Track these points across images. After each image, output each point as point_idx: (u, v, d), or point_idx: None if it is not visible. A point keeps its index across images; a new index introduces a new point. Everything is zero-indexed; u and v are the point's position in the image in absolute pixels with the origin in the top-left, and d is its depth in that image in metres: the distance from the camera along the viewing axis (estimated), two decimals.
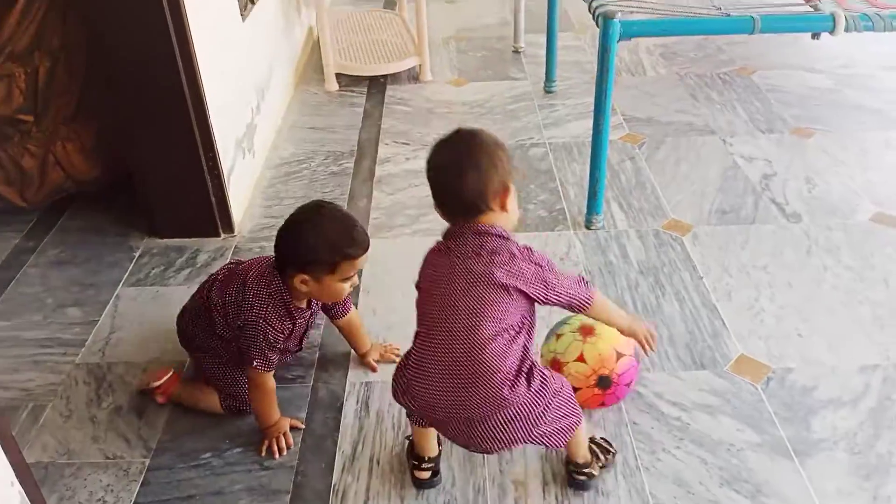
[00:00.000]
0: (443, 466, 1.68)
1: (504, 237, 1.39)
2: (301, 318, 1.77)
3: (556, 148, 2.96)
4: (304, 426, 1.78)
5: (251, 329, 1.67)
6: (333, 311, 1.89)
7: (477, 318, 1.36)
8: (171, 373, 1.85)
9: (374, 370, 1.94)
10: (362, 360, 1.96)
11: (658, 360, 1.94)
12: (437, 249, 1.46)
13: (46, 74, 2.36)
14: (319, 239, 1.63)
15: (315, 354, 2.00)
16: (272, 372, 1.72)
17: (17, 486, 1.24)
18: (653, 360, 1.94)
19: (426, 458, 1.63)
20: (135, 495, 1.64)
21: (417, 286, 1.49)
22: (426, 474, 1.63)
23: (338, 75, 3.53)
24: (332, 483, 1.66)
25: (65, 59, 2.37)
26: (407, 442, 1.70)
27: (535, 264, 1.38)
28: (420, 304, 1.48)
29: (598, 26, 2.18)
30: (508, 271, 1.36)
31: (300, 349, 1.91)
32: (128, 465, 1.71)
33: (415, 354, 1.47)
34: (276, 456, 1.70)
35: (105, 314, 2.17)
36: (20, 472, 1.24)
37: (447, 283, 1.39)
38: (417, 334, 1.48)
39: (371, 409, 1.83)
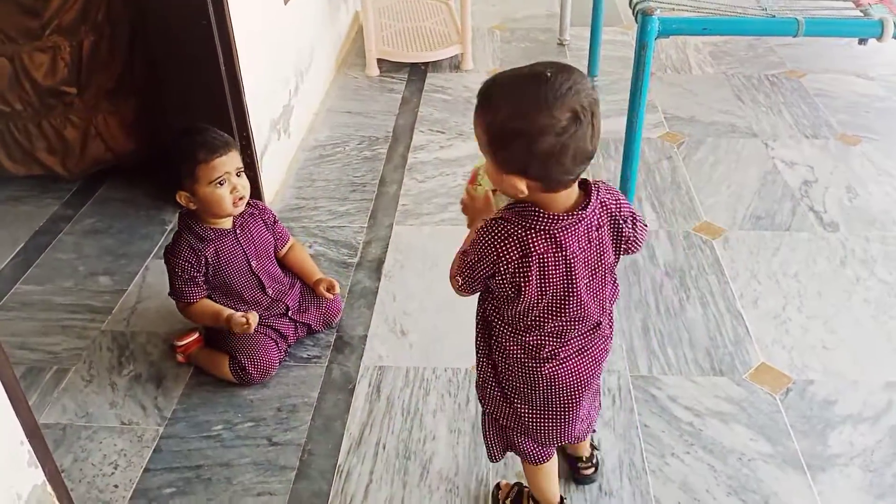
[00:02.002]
0: (448, 455, 1.69)
1: None
2: (222, 241, 1.84)
3: None
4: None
5: (167, 268, 1.85)
6: (277, 243, 1.97)
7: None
8: (196, 335, 1.93)
9: (328, 298, 1.99)
10: (314, 290, 2.00)
11: (675, 363, 1.91)
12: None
13: (91, 48, 2.41)
14: (176, 152, 1.77)
15: (332, 336, 2.02)
16: (198, 301, 1.86)
17: (27, 446, 1.28)
18: (670, 362, 1.92)
19: (562, 500, 1.52)
20: (146, 461, 1.68)
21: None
22: None
23: (379, 61, 3.54)
24: (338, 463, 1.68)
25: (109, 34, 2.42)
26: (530, 499, 1.54)
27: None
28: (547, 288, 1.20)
29: (636, 22, 2.15)
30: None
31: (279, 304, 1.93)
32: (142, 432, 1.76)
33: (550, 341, 1.26)
34: (249, 327, 1.77)
35: (133, 284, 2.22)
36: (30, 433, 1.28)
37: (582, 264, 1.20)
38: (537, 329, 1.25)
39: (382, 394, 1.85)
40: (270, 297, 1.92)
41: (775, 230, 2.40)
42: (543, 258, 1.15)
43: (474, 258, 1.18)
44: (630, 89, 2.21)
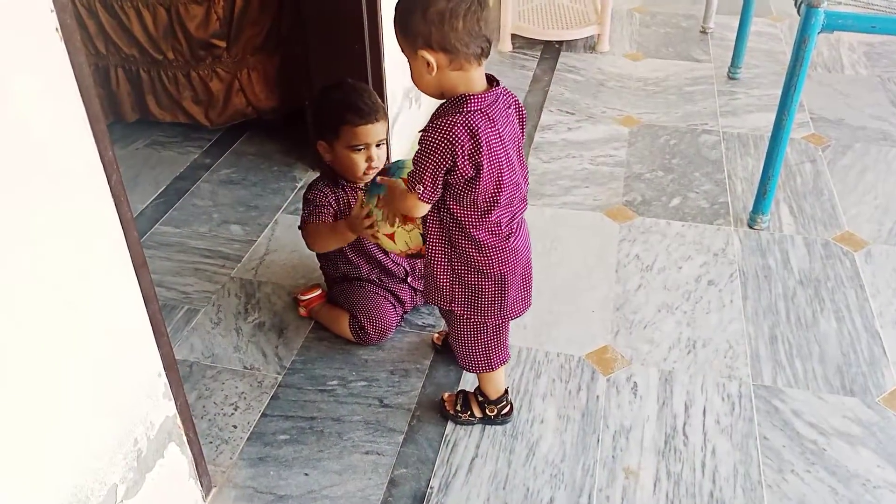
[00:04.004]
0: (555, 441, 1.68)
1: None
2: (353, 195, 1.84)
3: (730, 138, 2.80)
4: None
5: (302, 205, 1.86)
6: None
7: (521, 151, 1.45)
8: (319, 291, 2.00)
9: None
10: None
11: (803, 377, 1.82)
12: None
13: (243, 4, 2.49)
14: (327, 104, 1.78)
15: None
16: (322, 222, 1.82)
17: (164, 378, 1.35)
18: (797, 375, 1.83)
19: (506, 391, 1.71)
20: (264, 406, 1.75)
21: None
22: (509, 406, 1.72)
23: (513, 36, 3.50)
24: (445, 433, 1.69)
25: None
26: (477, 397, 1.70)
27: None
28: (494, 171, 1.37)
29: (798, 14, 2.03)
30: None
31: (399, 268, 1.94)
32: (262, 378, 1.83)
33: (505, 222, 1.43)
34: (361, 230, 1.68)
35: (263, 236, 2.30)
36: (168, 366, 1.35)
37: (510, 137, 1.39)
38: (496, 203, 1.39)
39: None
40: (392, 261, 1.94)
41: None
42: (487, 134, 1.32)
43: (433, 159, 1.31)
44: (783, 85, 2.10)
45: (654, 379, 1.83)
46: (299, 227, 1.89)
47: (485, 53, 1.32)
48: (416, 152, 1.35)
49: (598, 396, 1.78)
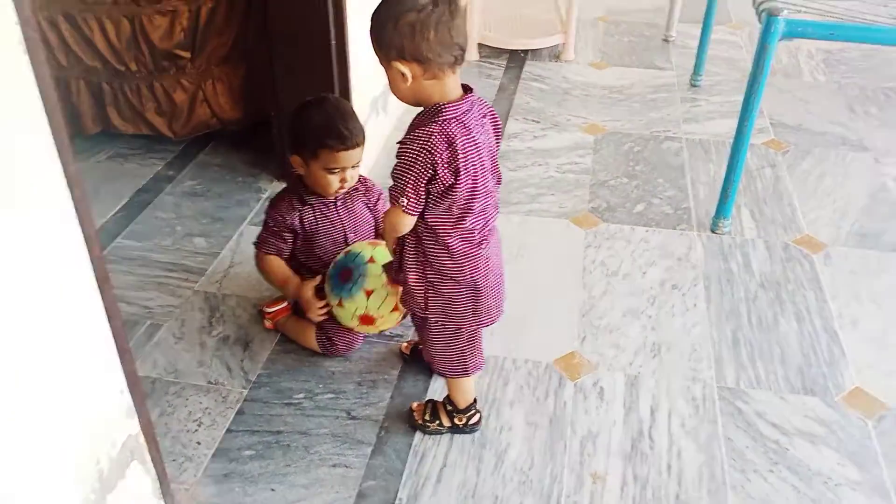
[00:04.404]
0: (523, 448, 1.68)
1: None
2: (322, 209, 1.85)
3: (692, 144, 2.84)
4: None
5: (264, 217, 1.89)
6: (376, 219, 1.97)
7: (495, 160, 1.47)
8: (285, 303, 1.98)
9: None
10: None
11: (765, 378, 1.85)
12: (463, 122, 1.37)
13: (208, 15, 2.48)
14: (308, 122, 1.76)
15: None
16: (271, 255, 1.89)
17: (127, 396, 1.33)
18: (759, 376, 1.85)
19: (475, 401, 1.70)
20: (229, 421, 1.73)
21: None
22: (478, 416, 1.72)
23: (479, 46, 3.52)
24: (413, 444, 1.69)
25: (226, 2, 2.48)
26: (446, 406, 1.70)
27: None
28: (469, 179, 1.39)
29: (759, 22, 2.07)
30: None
31: None
32: (227, 393, 1.81)
33: (478, 229, 1.45)
34: (315, 316, 1.83)
35: (227, 248, 2.29)
36: (131, 383, 1.33)
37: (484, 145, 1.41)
38: (470, 210, 1.41)
39: None
40: None
41: (881, 250, 2.29)
42: (462, 142, 1.33)
43: (414, 170, 1.33)
44: (745, 91, 2.14)
45: (620, 384, 1.84)
46: (254, 244, 1.91)
47: (458, 61, 1.34)
48: (396, 165, 1.35)
49: (565, 402, 1.79)
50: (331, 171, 1.77)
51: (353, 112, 1.81)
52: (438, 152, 1.32)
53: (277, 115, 2.50)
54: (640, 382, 1.85)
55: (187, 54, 2.52)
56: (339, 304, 1.76)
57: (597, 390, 1.83)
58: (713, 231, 2.36)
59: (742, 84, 2.19)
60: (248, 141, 2.76)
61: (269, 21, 2.31)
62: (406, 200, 1.35)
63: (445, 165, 1.33)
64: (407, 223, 1.40)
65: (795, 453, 1.67)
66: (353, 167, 1.79)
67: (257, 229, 1.94)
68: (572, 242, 2.33)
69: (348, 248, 1.83)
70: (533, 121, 3.01)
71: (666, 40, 3.69)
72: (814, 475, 1.62)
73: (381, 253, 1.74)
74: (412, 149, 1.33)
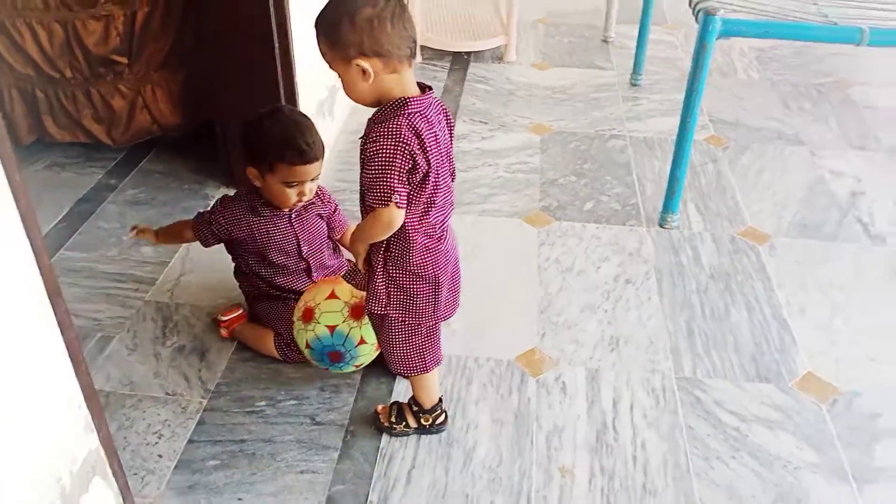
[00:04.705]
0: (491, 446, 1.68)
1: None
2: (275, 221, 1.82)
3: (637, 142, 2.90)
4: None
5: (214, 205, 1.88)
6: (331, 229, 1.94)
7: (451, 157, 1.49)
8: (240, 311, 1.94)
9: None
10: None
11: (721, 367, 1.90)
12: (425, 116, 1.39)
13: (144, 19, 2.41)
14: (264, 135, 1.71)
15: None
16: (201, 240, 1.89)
17: (85, 409, 1.28)
18: (715, 365, 1.90)
19: (440, 400, 1.70)
20: (190, 432, 1.69)
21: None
22: (444, 415, 1.71)
23: (422, 48, 3.52)
24: (380, 446, 1.67)
25: (163, 5, 2.42)
26: (411, 407, 1.69)
27: None
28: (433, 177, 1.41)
29: (696, 22, 2.13)
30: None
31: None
32: (186, 403, 1.76)
33: (439, 223, 1.46)
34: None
35: (176, 257, 2.22)
36: (88, 396, 1.28)
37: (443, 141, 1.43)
38: (433, 204, 1.43)
39: None
40: (313, 281, 1.91)
41: (822, 240, 2.37)
42: (427, 135, 1.35)
43: (395, 165, 1.32)
44: (686, 89, 2.19)
45: (581, 378, 1.86)
46: (195, 217, 1.89)
47: (413, 54, 1.36)
48: (373, 166, 1.33)
49: (529, 399, 1.80)
50: (289, 184, 1.73)
51: (312, 125, 1.76)
52: (410, 145, 1.33)
53: (220, 121, 2.44)
54: (600, 376, 1.87)
55: (124, 60, 2.45)
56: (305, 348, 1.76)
57: (559, 385, 1.84)
58: (662, 226, 2.42)
59: (681, 83, 2.25)
60: (191, 147, 2.70)
61: (210, 24, 2.26)
62: (398, 196, 1.34)
63: (420, 154, 1.34)
64: (400, 217, 1.38)
65: (755, 439, 1.71)
66: (311, 180, 1.76)
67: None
68: (526, 241, 2.34)
69: (325, 317, 1.68)
70: (480, 122, 3.02)
71: (605, 41, 3.76)
72: (774, 460, 1.67)
73: (345, 292, 1.72)
74: (387, 146, 1.32)
